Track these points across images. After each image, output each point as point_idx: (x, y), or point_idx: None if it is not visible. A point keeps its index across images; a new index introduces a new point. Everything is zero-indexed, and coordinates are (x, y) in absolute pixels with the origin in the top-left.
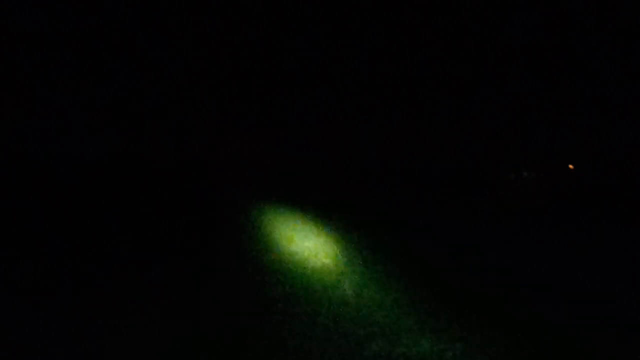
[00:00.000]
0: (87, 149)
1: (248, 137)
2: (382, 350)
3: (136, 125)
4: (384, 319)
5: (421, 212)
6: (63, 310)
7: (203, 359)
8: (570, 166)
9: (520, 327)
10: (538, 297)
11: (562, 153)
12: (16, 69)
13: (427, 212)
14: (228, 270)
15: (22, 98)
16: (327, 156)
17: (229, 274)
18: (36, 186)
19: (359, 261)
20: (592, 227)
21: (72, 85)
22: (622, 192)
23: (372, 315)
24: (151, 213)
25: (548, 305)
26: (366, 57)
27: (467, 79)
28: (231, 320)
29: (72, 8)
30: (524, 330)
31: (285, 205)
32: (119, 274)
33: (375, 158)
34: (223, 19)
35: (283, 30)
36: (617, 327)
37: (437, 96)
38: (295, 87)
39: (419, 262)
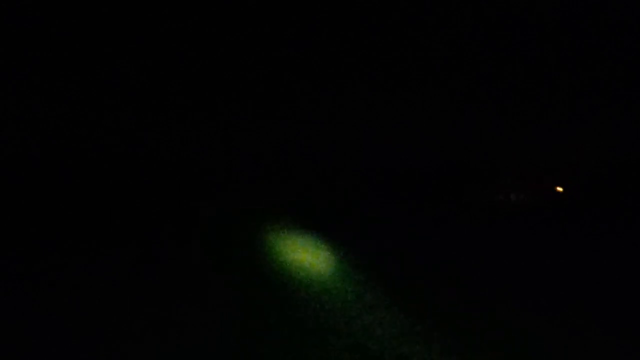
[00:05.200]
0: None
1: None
2: None
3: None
4: None
5: (413, 214)
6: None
7: None
8: (559, 188)
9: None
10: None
11: (558, 154)
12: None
13: (418, 213)
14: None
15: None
16: (322, 157)
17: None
18: (30, 185)
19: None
20: (586, 228)
21: (71, 83)
22: (616, 194)
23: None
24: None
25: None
26: (362, 56)
27: (463, 79)
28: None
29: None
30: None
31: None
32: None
33: (370, 160)
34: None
35: (279, 32)
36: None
37: (433, 96)
38: (290, 88)
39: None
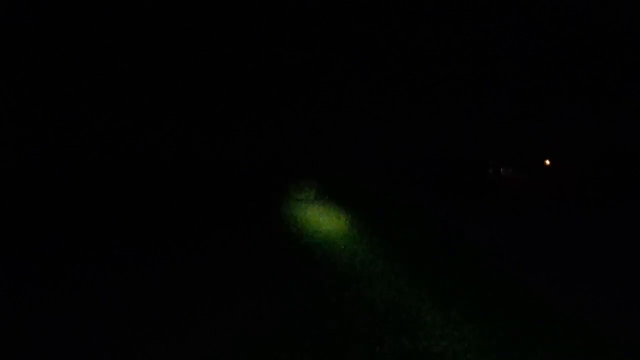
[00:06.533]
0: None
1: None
2: None
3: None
4: None
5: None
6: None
7: None
8: (547, 162)
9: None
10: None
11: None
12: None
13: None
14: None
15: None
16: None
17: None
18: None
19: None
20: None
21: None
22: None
23: None
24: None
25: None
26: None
27: (464, 76)
28: None
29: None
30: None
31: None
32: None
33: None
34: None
35: (288, 32)
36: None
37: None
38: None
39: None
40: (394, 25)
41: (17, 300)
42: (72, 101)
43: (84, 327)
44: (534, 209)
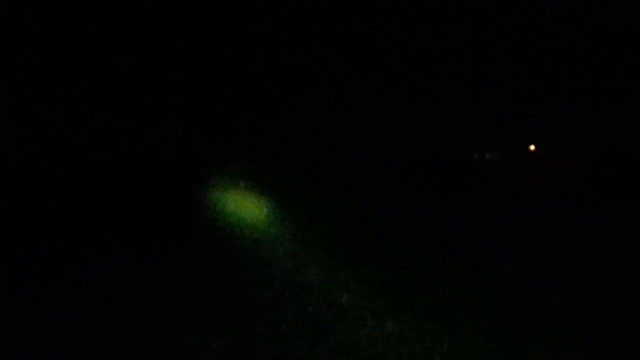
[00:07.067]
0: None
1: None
2: None
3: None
4: None
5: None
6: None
7: None
8: (531, 147)
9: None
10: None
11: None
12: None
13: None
14: None
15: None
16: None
17: None
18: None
19: None
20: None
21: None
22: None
23: None
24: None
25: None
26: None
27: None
28: None
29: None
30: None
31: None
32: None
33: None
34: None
35: (284, 32)
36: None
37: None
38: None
39: None
40: (393, 25)
41: (17, 300)
42: (72, 101)
43: (84, 327)
44: (533, 208)
